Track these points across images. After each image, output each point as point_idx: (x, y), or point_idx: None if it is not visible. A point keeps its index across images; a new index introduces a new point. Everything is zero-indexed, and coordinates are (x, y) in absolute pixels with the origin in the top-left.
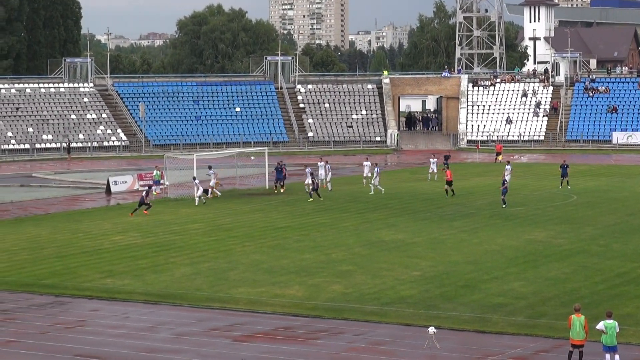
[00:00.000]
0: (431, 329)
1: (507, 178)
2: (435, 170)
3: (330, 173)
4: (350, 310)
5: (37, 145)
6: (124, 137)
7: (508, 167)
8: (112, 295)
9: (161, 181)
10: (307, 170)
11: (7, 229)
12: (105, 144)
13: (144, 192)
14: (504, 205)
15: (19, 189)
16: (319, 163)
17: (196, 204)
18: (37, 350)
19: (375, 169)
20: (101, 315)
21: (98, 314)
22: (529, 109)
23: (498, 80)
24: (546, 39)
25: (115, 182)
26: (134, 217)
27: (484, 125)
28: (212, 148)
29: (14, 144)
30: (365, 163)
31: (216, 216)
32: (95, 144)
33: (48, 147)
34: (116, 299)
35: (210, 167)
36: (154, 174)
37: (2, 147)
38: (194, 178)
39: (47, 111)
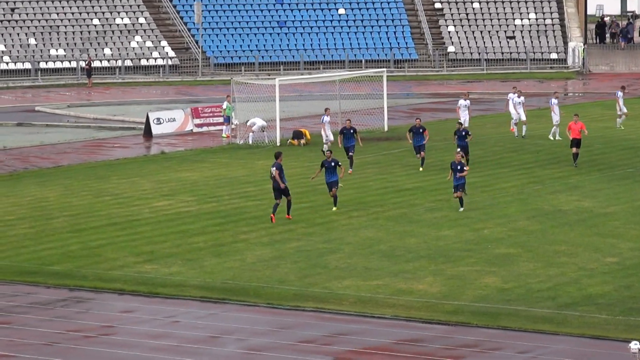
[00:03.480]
0: (635, 345)
1: None
2: (624, 110)
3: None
4: (511, 314)
5: (43, 65)
6: (172, 53)
7: None
8: (154, 290)
9: (232, 119)
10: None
11: None
12: (144, 62)
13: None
14: None
15: (16, 129)
16: (461, 101)
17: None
18: None
19: (552, 101)
20: (137, 319)
21: (132, 316)
22: None
23: None
24: None
25: (158, 119)
26: (190, 174)
27: None
28: (302, 69)
29: (8, 63)
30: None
31: (308, 171)
32: (128, 62)
33: (58, 68)
34: (159, 294)
35: None
36: (224, 107)
37: None
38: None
39: (58, 13)
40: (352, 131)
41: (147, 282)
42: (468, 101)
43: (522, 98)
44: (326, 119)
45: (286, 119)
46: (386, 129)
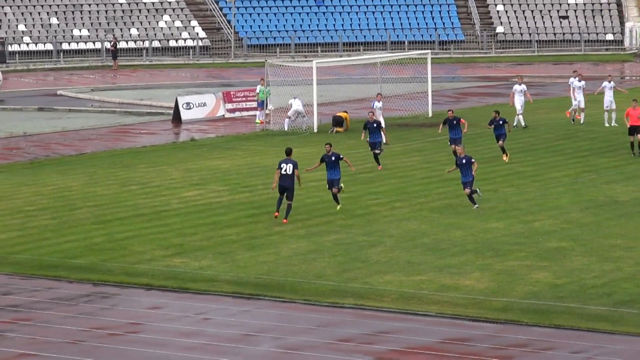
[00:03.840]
0: None
1: None
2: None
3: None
4: (564, 312)
5: (65, 46)
6: (202, 34)
7: None
8: (183, 285)
9: (267, 104)
10: None
11: (19, 177)
12: (172, 43)
13: None
14: None
15: (37, 114)
16: (516, 86)
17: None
18: None
19: (605, 85)
20: (165, 316)
21: (160, 313)
22: None
23: None
24: None
25: (187, 104)
26: (222, 162)
27: None
28: (340, 51)
29: (28, 44)
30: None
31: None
32: (156, 43)
33: (82, 49)
34: (189, 290)
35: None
36: (258, 90)
37: (10, 48)
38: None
39: None
40: (375, 125)
41: (176, 277)
42: (524, 86)
43: (582, 82)
44: (377, 104)
45: (324, 104)
46: (430, 114)
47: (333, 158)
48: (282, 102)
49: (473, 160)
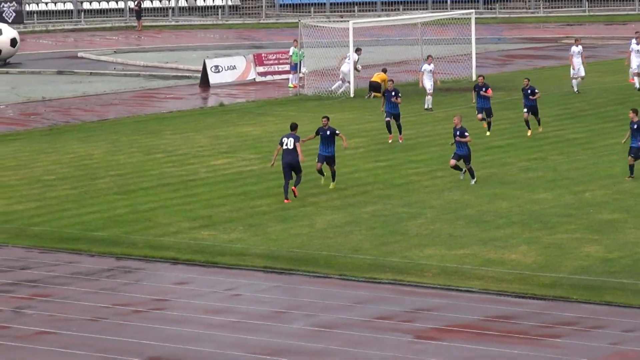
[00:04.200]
0: None
1: None
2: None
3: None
4: (616, 288)
5: (86, 6)
6: None
7: None
8: (211, 259)
9: (300, 67)
10: None
11: (37, 144)
12: (201, 3)
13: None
14: None
15: (56, 78)
16: (573, 47)
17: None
18: (84, 347)
19: (633, 44)
20: (193, 292)
21: (187, 289)
22: None
23: None
24: None
25: (216, 67)
26: (252, 129)
27: None
28: (378, 11)
29: (47, 4)
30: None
31: (383, 126)
32: (183, 3)
33: (104, 9)
34: (218, 264)
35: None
36: (291, 52)
37: (28, 7)
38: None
39: None
40: (393, 93)
41: (204, 251)
42: (580, 47)
43: None
44: (427, 67)
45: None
46: (474, 78)
47: (328, 132)
48: (316, 64)
49: (467, 133)
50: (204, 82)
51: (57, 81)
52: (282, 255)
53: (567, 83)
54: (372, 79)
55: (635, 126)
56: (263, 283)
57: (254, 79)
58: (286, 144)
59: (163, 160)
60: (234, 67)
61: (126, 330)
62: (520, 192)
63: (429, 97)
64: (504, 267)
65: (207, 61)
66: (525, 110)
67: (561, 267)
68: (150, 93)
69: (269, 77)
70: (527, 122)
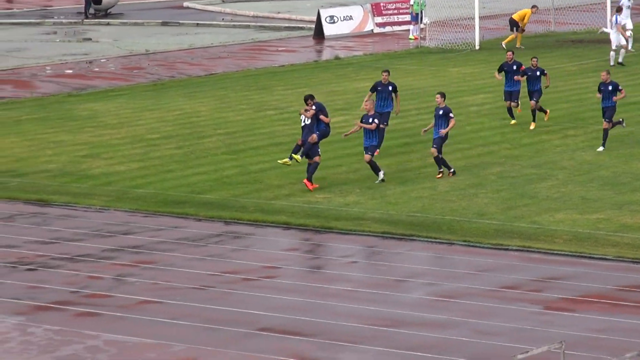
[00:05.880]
0: None
1: None
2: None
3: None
4: None
5: None
6: None
7: None
8: (326, 224)
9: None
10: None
11: (141, 100)
12: None
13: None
14: None
15: (161, 30)
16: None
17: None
18: (189, 317)
19: None
20: (305, 259)
21: (299, 256)
22: None
23: None
24: None
25: (331, 18)
26: (370, 84)
27: None
28: None
29: None
30: None
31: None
32: None
33: None
34: (332, 229)
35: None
36: (412, 2)
37: None
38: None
39: None
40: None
41: (318, 215)
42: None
43: None
44: (622, 18)
45: (486, 17)
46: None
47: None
48: (438, 14)
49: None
50: (319, 33)
51: (161, 33)
52: (402, 219)
53: None
54: (513, 16)
55: (440, 112)
56: (381, 249)
57: (372, 30)
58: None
59: (274, 118)
60: (351, 18)
61: (234, 300)
62: None
63: (618, 51)
64: None
65: (321, 11)
66: (531, 97)
67: None
68: (260, 45)
69: (387, 29)
70: (533, 111)
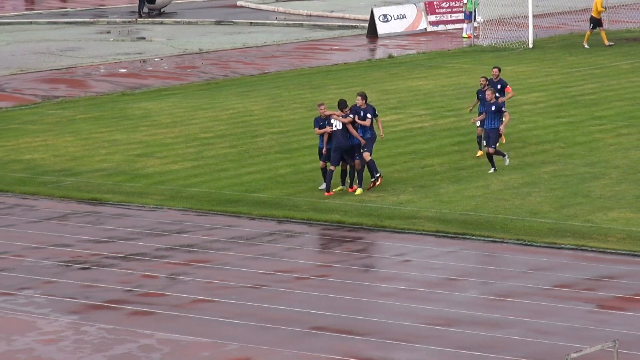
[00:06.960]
0: None
1: None
2: None
3: None
4: None
5: None
6: None
7: None
8: (379, 222)
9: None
10: None
11: (194, 100)
12: None
13: None
14: None
15: (214, 29)
16: None
17: None
18: (244, 317)
19: None
20: (359, 258)
21: (353, 255)
22: None
23: None
24: None
25: (384, 16)
26: (423, 83)
27: None
28: None
29: None
30: None
31: (567, 79)
32: None
33: None
34: (386, 228)
35: None
36: (465, 0)
37: None
38: None
39: None
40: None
41: (371, 213)
42: None
43: None
44: None
45: (540, 16)
46: None
47: (493, 107)
48: (492, 13)
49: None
50: (372, 32)
51: (215, 32)
52: (455, 218)
53: None
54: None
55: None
56: (434, 248)
57: (425, 28)
58: (335, 125)
59: None
60: (404, 16)
61: (288, 299)
62: None
63: None
64: None
65: (375, 10)
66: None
67: None
68: (314, 44)
69: (441, 27)
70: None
